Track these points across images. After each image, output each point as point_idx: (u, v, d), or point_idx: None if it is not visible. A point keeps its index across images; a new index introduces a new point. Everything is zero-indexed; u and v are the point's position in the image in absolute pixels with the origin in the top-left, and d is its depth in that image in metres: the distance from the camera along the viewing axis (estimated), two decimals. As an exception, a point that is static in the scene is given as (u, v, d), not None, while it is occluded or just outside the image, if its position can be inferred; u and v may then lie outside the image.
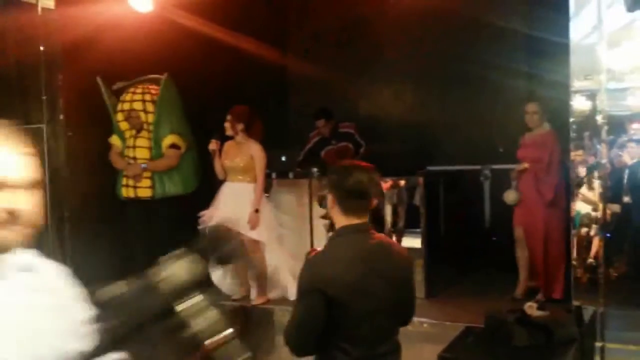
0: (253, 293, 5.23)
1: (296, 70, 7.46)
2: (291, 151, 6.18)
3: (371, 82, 7.19)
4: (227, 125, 5.21)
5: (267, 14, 7.03)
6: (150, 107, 5.57)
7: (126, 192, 5.50)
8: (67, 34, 5.61)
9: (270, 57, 6.89)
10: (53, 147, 5.84)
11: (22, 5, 5.77)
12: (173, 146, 5.53)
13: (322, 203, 2.64)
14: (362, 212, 2.52)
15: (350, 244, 2.48)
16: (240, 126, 5.18)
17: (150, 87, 5.67)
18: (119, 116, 5.56)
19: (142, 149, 5.51)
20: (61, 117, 5.77)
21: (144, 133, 5.54)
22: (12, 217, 1.42)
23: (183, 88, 5.74)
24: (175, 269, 1.44)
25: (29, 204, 1.48)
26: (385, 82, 7.13)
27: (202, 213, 5.22)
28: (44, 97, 5.82)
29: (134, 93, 5.59)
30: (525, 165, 4.84)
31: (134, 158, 5.49)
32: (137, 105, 5.53)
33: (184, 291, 1.41)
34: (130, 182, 5.47)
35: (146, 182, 5.46)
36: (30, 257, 1.54)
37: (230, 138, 5.28)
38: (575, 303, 4.04)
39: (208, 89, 6.14)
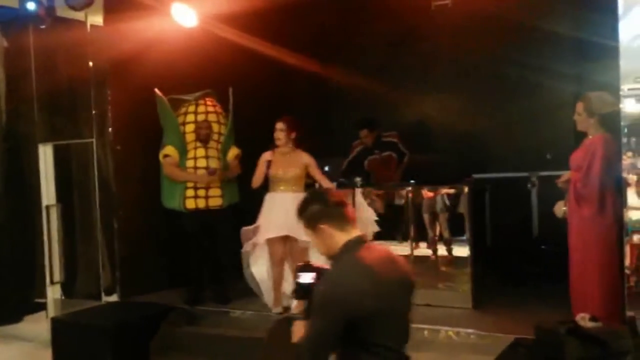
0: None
1: (339, 79, 7.46)
2: (335, 161, 6.17)
3: (415, 90, 7.13)
4: (281, 134, 5.17)
5: (310, 25, 7.06)
6: (222, 118, 5.71)
7: (194, 203, 5.49)
8: (115, 50, 5.77)
9: (314, 67, 6.91)
10: (102, 160, 6.00)
11: (72, 23, 5.97)
12: (237, 157, 5.71)
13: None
14: (353, 221, 2.61)
15: (361, 257, 2.51)
16: (293, 134, 5.19)
17: (212, 99, 5.78)
18: (189, 127, 5.61)
19: (214, 159, 5.58)
20: (110, 131, 5.94)
21: (212, 144, 5.61)
22: None
23: (227, 101, 5.80)
24: None
25: None
26: (430, 89, 7.06)
27: (253, 226, 5.22)
28: (94, 112, 5.99)
29: (205, 105, 5.69)
30: (567, 174, 4.42)
31: (207, 168, 5.52)
32: (212, 117, 5.66)
33: None
34: (201, 193, 5.50)
35: (217, 192, 5.54)
36: None
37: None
38: (629, 313, 3.89)
39: (252, 102, 6.20)
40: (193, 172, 5.52)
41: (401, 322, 2.58)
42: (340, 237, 2.55)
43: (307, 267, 2.63)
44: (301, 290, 2.59)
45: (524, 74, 6.11)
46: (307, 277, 2.59)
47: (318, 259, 5.09)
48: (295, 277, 2.65)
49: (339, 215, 2.57)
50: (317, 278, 2.56)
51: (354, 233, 2.58)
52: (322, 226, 2.57)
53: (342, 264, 2.54)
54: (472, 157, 6.61)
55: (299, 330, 2.50)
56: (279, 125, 5.16)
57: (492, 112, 6.71)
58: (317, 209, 2.60)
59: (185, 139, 5.60)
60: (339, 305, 2.37)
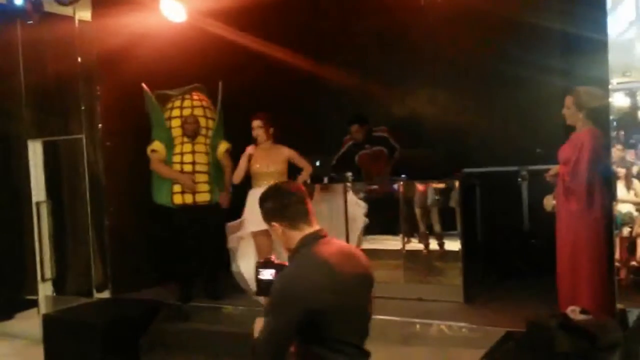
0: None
1: (329, 75, 7.45)
2: (325, 157, 6.16)
3: (406, 85, 7.12)
4: (260, 131, 5.22)
5: (299, 21, 7.03)
6: (209, 113, 5.67)
7: (182, 199, 5.47)
8: (104, 45, 5.74)
9: (303, 63, 6.89)
10: (92, 156, 5.97)
11: (60, 18, 5.92)
12: (227, 151, 5.68)
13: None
14: (309, 217, 2.57)
15: (317, 252, 2.48)
16: (271, 130, 5.23)
17: (199, 94, 5.74)
18: (175, 122, 5.59)
19: (201, 154, 5.55)
20: (99, 126, 5.90)
21: (200, 139, 5.58)
22: None
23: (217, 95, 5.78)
24: None
25: None
26: (420, 84, 7.07)
27: (238, 221, 5.24)
28: (83, 108, 5.96)
29: (192, 99, 5.65)
30: (556, 168, 4.42)
31: (194, 163, 5.50)
32: (198, 111, 5.61)
33: None
34: (189, 189, 5.48)
35: (205, 187, 5.51)
36: None
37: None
38: (619, 306, 3.93)
39: (241, 97, 6.18)
40: (179, 169, 5.50)
41: (361, 318, 2.55)
42: (295, 235, 2.54)
43: (268, 264, 2.60)
44: (262, 287, 2.56)
45: (513, 68, 6.11)
46: (267, 274, 2.56)
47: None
48: (256, 273, 2.61)
49: (292, 214, 2.54)
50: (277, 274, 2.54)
51: (310, 229, 2.55)
52: (274, 224, 2.57)
53: (297, 259, 2.52)
54: (462, 151, 6.61)
55: (259, 326, 2.47)
56: (256, 123, 5.22)
57: (482, 106, 6.71)
58: (270, 207, 2.59)
59: (172, 134, 5.58)
60: (294, 302, 2.35)
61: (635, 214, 4.42)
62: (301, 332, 2.40)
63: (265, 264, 2.61)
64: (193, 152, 5.53)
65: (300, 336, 2.42)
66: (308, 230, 2.55)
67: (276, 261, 2.61)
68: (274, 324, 2.39)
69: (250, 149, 5.25)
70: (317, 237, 2.54)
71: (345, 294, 2.42)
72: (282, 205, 2.55)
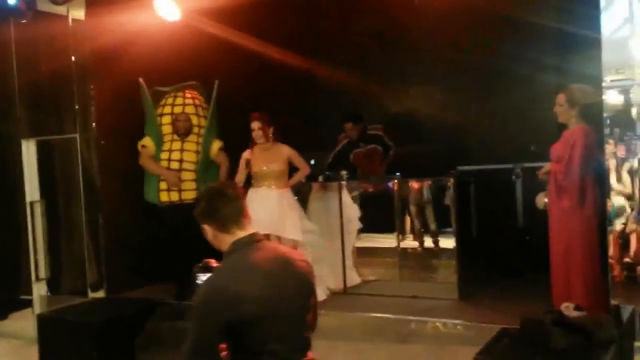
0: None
1: (325, 73, 7.45)
2: (320, 155, 6.17)
3: (400, 83, 7.14)
4: (260, 133, 5.20)
5: (295, 19, 7.02)
6: (201, 111, 5.65)
7: (167, 196, 5.47)
8: (97, 44, 5.72)
9: (298, 61, 6.89)
10: (86, 156, 5.95)
11: (53, 17, 5.90)
12: (221, 149, 5.64)
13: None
14: (243, 220, 2.47)
15: (247, 258, 2.39)
16: (271, 130, 5.21)
17: (193, 92, 5.72)
18: (165, 119, 5.58)
19: (190, 153, 5.53)
20: (93, 125, 5.89)
21: (192, 137, 5.56)
22: None
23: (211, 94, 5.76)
24: None
25: None
26: (415, 82, 7.08)
27: None
28: (77, 107, 5.94)
29: (184, 97, 5.64)
30: (548, 166, 4.41)
31: (181, 160, 5.49)
32: (190, 109, 5.59)
33: None
34: (174, 186, 5.47)
35: (191, 185, 5.49)
36: None
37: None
38: (613, 302, 3.94)
39: (236, 96, 6.17)
40: (165, 167, 5.49)
41: (296, 328, 2.42)
42: (226, 238, 2.45)
43: (206, 269, 2.53)
44: None
45: (507, 65, 6.13)
46: (205, 278, 2.47)
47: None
48: (194, 278, 2.54)
49: (224, 217, 2.44)
50: None
51: (243, 233, 2.45)
52: (204, 226, 2.48)
53: (224, 265, 2.44)
54: (456, 149, 6.64)
55: None
56: (255, 125, 5.20)
57: (476, 104, 6.73)
58: (201, 209, 2.49)
59: (162, 131, 5.57)
60: (214, 312, 2.25)
61: (628, 209, 4.43)
62: (228, 342, 2.31)
63: (203, 268, 2.55)
64: (182, 150, 5.52)
65: (228, 346, 2.33)
66: (240, 234, 2.45)
67: (215, 265, 2.54)
68: (195, 334, 2.30)
69: (246, 154, 5.23)
70: (249, 241, 2.44)
71: (276, 303, 2.31)
72: (214, 207, 2.46)
